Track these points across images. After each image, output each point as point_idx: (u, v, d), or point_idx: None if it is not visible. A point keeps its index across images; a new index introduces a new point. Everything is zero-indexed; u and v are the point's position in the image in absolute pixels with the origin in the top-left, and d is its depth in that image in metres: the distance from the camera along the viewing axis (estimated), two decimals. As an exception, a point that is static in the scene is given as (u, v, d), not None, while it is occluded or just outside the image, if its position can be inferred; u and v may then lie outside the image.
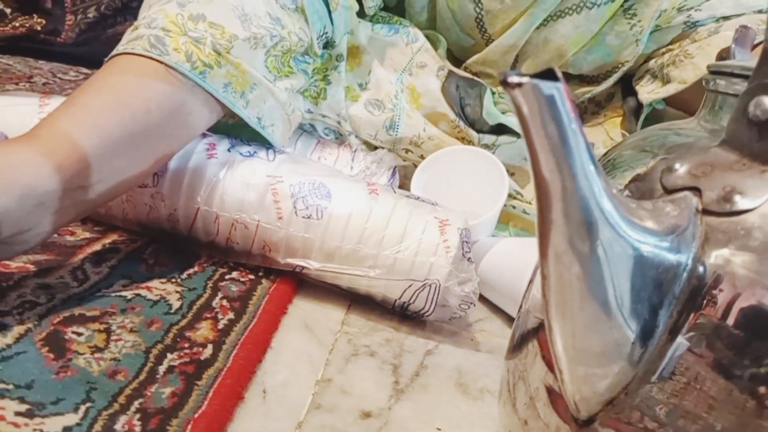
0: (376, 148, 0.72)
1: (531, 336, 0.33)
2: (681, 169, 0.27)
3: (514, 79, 0.20)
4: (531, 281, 0.36)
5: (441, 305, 0.54)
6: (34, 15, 1.35)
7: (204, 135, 0.58)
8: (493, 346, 0.56)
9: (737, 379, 0.25)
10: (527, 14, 0.69)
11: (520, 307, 0.38)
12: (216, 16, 0.52)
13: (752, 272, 0.24)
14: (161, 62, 0.49)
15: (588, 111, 0.78)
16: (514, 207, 0.74)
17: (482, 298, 0.63)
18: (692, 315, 0.25)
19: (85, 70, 1.29)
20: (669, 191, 0.27)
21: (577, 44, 0.72)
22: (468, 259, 0.54)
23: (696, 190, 0.26)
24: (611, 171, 0.34)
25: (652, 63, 0.71)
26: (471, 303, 0.54)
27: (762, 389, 0.24)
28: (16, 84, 1.10)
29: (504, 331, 0.59)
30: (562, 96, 0.20)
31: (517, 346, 0.35)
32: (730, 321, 0.25)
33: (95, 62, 1.46)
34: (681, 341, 0.25)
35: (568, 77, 0.76)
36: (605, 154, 0.36)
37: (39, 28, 1.34)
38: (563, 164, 0.21)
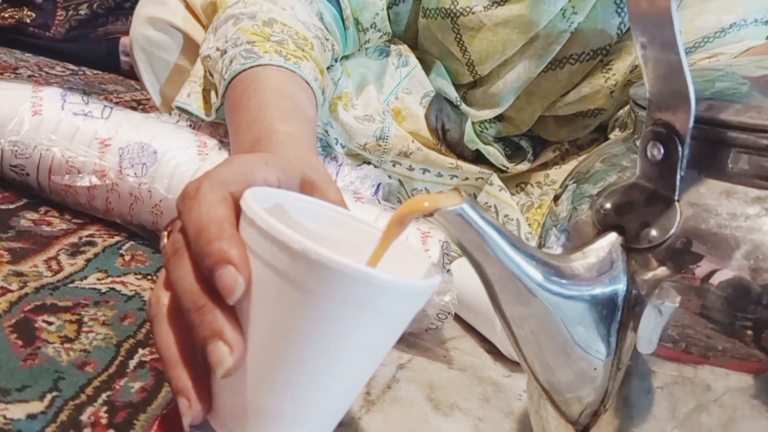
0: (363, 161, 0.72)
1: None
2: (607, 208, 0.30)
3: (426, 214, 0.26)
4: None
5: (419, 314, 0.54)
6: (24, 8, 1.34)
7: (196, 133, 0.58)
8: (465, 364, 0.56)
9: (688, 371, 0.28)
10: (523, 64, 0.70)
11: None
12: (283, 18, 0.55)
13: (671, 300, 0.27)
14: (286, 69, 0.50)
15: (569, 153, 0.79)
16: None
17: (457, 317, 0.63)
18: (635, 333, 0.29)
19: (72, 66, 1.29)
20: (600, 230, 0.30)
21: (557, 94, 0.74)
22: (448, 271, 0.54)
23: (620, 228, 0.29)
24: (587, 182, 0.35)
25: (621, 112, 0.73)
26: (448, 313, 0.54)
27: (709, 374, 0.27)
28: (1, 74, 1.09)
29: (477, 350, 0.59)
30: (467, 211, 0.25)
31: None
32: (663, 333, 0.28)
33: (84, 59, 1.45)
34: (630, 355, 0.29)
35: (546, 120, 0.78)
36: (585, 160, 0.37)
37: (28, 20, 1.33)
38: (491, 256, 0.26)
